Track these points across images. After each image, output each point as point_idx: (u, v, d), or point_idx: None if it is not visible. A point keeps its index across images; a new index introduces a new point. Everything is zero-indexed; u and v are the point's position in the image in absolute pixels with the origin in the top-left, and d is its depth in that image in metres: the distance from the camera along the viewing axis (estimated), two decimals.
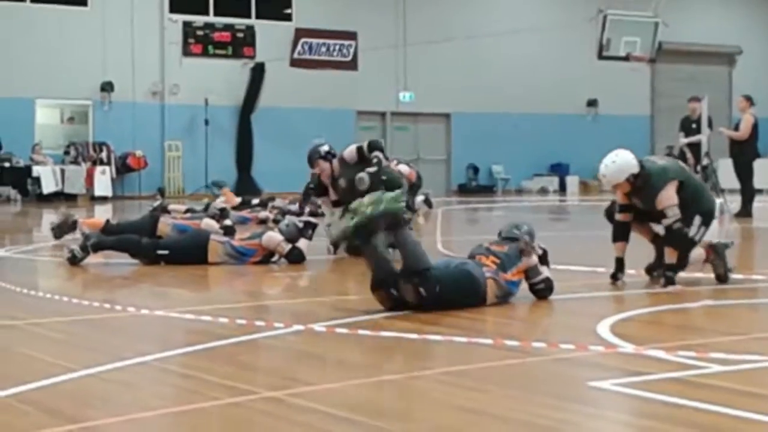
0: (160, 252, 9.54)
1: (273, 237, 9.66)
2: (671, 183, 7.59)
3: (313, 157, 10.33)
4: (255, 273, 9.20)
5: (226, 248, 9.63)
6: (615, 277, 7.91)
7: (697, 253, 7.79)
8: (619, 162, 7.68)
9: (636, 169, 7.63)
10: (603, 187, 7.52)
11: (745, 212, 16.05)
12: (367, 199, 6.58)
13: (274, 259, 9.67)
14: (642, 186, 7.66)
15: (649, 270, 8.19)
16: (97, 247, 9.70)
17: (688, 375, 4.63)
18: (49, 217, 16.27)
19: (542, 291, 6.96)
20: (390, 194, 6.59)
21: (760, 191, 18.28)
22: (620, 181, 7.67)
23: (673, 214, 7.52)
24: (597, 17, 26.32)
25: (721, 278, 7.81)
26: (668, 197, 7.55)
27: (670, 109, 29.79)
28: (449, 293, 6.41)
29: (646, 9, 25.50)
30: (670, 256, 7.61)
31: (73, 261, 9.52)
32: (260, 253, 9.62)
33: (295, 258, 9.58)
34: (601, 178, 7.86)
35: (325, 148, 10.41)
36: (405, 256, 6.47)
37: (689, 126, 16.51)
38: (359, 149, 10.03)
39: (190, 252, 9.60)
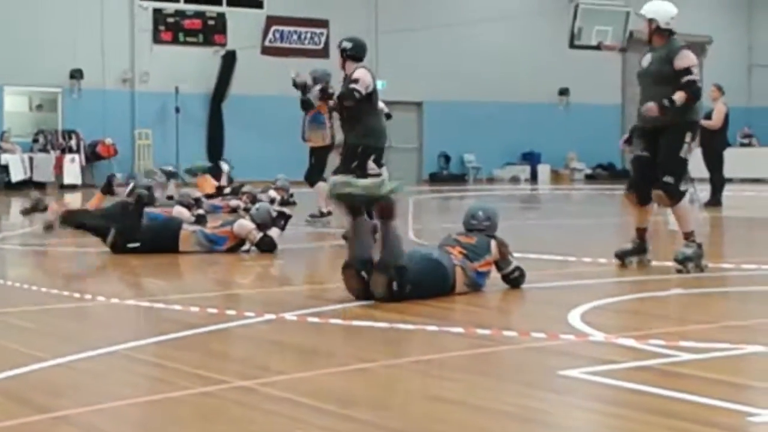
0: (130, 245, 9.46)
1: (244, 225, 9.63)
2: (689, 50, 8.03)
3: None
4: (226, 262, 9.18)
5: (197, 237, 9.59)
6: (625, 255, 8.17)
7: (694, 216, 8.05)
8: (660, 4, 8.13)
9: (662, 21, 8.01)
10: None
11: (715, 201, 16.15)
12: (370, 181, 6.63)
13: (245, 247, 9.64)
14: (664, 45, 8.01)
15: (621, 256, 8.26)
16: (71, 218, 9.69)
17: (658, 363, 4.66)
18: (18, 205, 16.15)
19: (516, 280, 6.98)
20: (392, 183, 6.60)
21: (729, 180, 18.39)
22: (647, 16, 8.08)
23: (696, 73, 7.88)
24: (569, 6, 26.42)
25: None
26: (689, 57, 7.93)
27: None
28: (419, 291, 6.42)
29: None
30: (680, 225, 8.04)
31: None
32: (231, 240, 9.59)
33: (267, 246, 9.55)
34: (642, 11, 8.16)
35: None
36: (386, 247, 6.46)
37: None
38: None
39: (161, 241, 9.55)
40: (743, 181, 24.87)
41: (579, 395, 4.25)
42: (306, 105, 13.03)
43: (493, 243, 6.89)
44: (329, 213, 12.55)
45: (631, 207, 8.45)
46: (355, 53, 10.09)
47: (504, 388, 4.27)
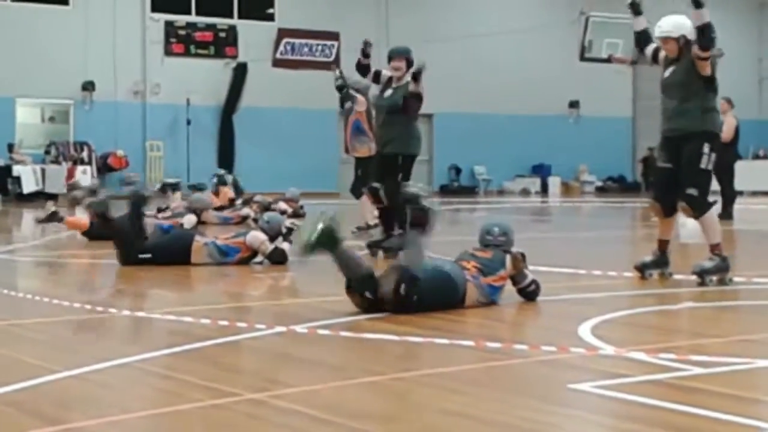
0: (142, 256, 9.47)
1: (257, 236, 9.65)
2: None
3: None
4: (237, 274, 9.19)
5: (209, 249, 9.60)
6: (645, 268, 8.18)
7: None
8: (679, 18, 8.11)
9: (689, 33, 7.98)
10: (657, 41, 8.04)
11: (726, 214, 16.11)
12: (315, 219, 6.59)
13: (258, 259, 9.65)
14: (685, 55, 8.02)
15: (641, 268, 8.25)
16: (103, 208, 9.69)
17: (669, 377, 4.65)
18: (30, 216, 16.20)
19: (533, 293, 6.98)
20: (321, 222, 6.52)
21: (740, 193, 18.36)
22: (672, 35, 8.01)
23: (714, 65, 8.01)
24: (579, 19, 26.43)
25: None
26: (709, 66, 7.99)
27: (652, 110, 29.80)
28: (426, 302, 6.42)
29: (628, 11, 25.60)
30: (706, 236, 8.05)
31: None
32: (244, 252, 9.60)
33: (278, 258, 9.57)
34: (656, 28, 8.16)
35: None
36: (407, 254, 6.50)
37: None
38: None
39: (173, 253, 9.56)
40: (754, 194, 24.82)
41: (589, 409, 4.24)
42: (345, 98, 13.00)
43: (507, 258, 6.89)
44: (375, 225, 12.39)
45: (657, 217, 8.46)
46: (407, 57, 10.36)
47: (514, 401, 4.27)
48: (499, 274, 6.83)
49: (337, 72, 11.59)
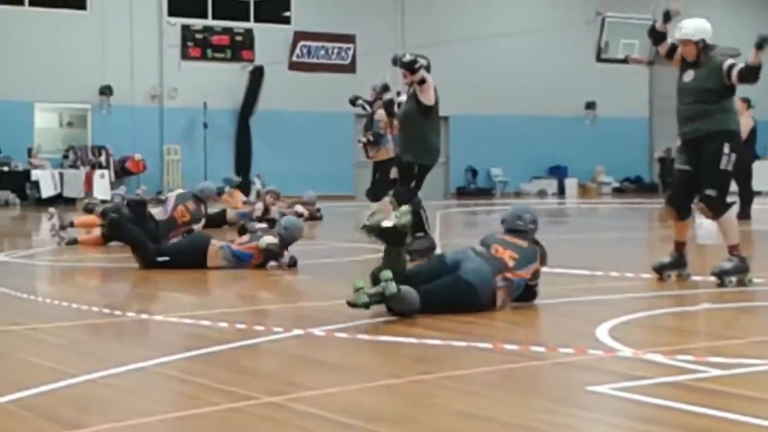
0: (160, 259, 9.52)
1: (267, 240, 9.65)
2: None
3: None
4: (254, 277, 9.21)
5: (225, 252, 9.62)
6: (663, 269, 8.14)
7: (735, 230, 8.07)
8: (700, 22, 8.11)
9: (708, 38, 8.01)
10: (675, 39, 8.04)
11: (744, 215, 16.04)
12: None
13: (272, 264, 9.64)
14: (705, 61, 8.03)
15: (659, 270, 8.23)
16: (117, 222, 9.76)
17: (687, 379, 4.64)
18: (48, 221, 16.25)
19: (535, 295, 6.94)
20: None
21: (758, 193, 18.28)
22: (693, 38, 8.01)
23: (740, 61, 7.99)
24: (595, 20, 26.38)
25: None
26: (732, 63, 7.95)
27: (669, 111, 29.75)
28: (436, 305, 6.40)
29: (644, 11, 25.51)
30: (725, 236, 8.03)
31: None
32: (258, 257, 9.61)
33: (290, 262, 9.59)
34: (677, 30, 8.15)
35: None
36: (400, 303, 6.38)
37: None
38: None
39: (189, 257, 9.59)
40: None
41: (607, 411, 4.23)
42: (370, 124, 13.55)
43: (538, 252, 6.85)
44: None
45: (671, 220, 8.44)
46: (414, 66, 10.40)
47: (532, 403, 4.27)
48: (531, 267, 6.76)
49: (387, 78, 11.87)
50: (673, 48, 8.28)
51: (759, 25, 34.26)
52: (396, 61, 10.55)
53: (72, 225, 12.33)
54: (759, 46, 7.81)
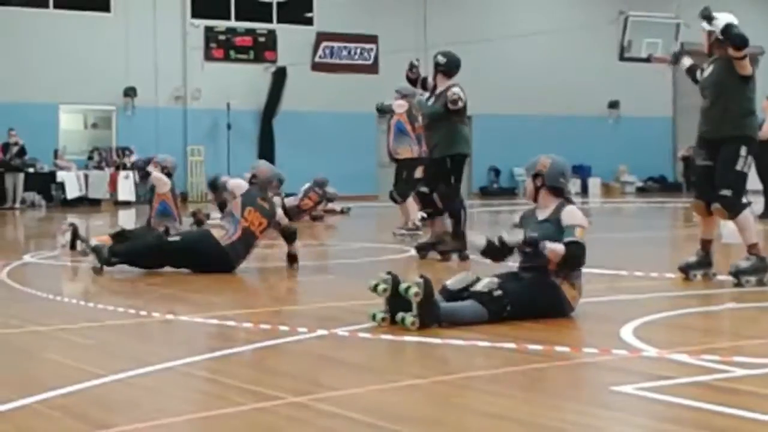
0: (171, 239, 9.61)
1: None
2: None
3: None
4: (278, 277, 9.24)
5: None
6: (689, 269, 8.15)
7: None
8: (720, 14, 8.05)
9: (719, 31, 7.94)
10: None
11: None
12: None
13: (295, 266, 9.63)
14: (722, 55, 7.99)
15: (685, 269, 8.21)
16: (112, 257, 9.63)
17: (712, 379, 4.63)
18: (75, 221, 16.34)
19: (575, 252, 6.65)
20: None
21: None
22: (707, 28, 8.03)
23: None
24: (618, 19, 26.27)
25: None
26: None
27: (693, 110, 29.64)
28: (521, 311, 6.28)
29: (667, 10, 25.43)
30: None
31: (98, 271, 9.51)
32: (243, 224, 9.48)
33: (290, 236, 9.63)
34: (702, 11, 8.10)
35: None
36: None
37: None
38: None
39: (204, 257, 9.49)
40: None
41: (632, 411, 4.23)
42: (383, 112, 13.53)
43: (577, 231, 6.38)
44: (419, 228, 12.23)
45: (699, 217, 8.42)
46: (447, 68, 10.40)
47: (557, 404, 4.27)
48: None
49: (416, 62, 11.53)
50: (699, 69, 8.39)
51: None
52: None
53: (86, 241, 12.15)
54: (706, 19, 7.88)
